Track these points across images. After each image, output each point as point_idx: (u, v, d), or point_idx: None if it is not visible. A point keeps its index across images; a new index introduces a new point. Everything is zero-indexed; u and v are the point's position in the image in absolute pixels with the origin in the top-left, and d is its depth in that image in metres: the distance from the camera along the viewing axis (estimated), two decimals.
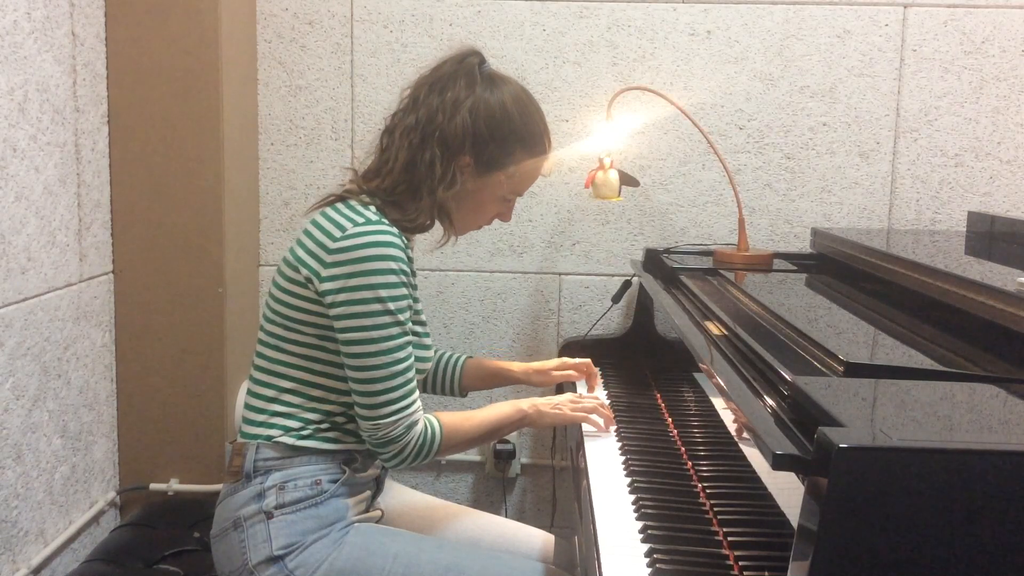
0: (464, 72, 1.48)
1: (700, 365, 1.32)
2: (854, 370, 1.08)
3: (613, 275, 2.34)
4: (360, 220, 1.39)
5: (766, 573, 1.14)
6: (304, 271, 1.40)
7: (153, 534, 1.96)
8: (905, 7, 2.23)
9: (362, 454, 1.48)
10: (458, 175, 1.47)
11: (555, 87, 2.30)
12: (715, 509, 1.31)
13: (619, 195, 2.02)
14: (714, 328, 1.46)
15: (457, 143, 1.45)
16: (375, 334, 1.37)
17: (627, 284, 2.18)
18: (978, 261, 1.72)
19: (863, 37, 2.24)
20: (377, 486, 1.55)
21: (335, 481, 1.43)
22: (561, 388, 1.87)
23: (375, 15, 2.31)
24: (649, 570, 1.14)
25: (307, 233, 1.43)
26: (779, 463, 0.90)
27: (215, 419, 2.19)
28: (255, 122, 2.35)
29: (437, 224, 1.52)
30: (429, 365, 1.66)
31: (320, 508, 1.41)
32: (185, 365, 2.17)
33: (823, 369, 1.13)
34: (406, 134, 1.46)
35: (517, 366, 1.80)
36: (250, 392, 1.48)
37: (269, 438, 1.42)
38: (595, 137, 2.13)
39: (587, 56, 2.29)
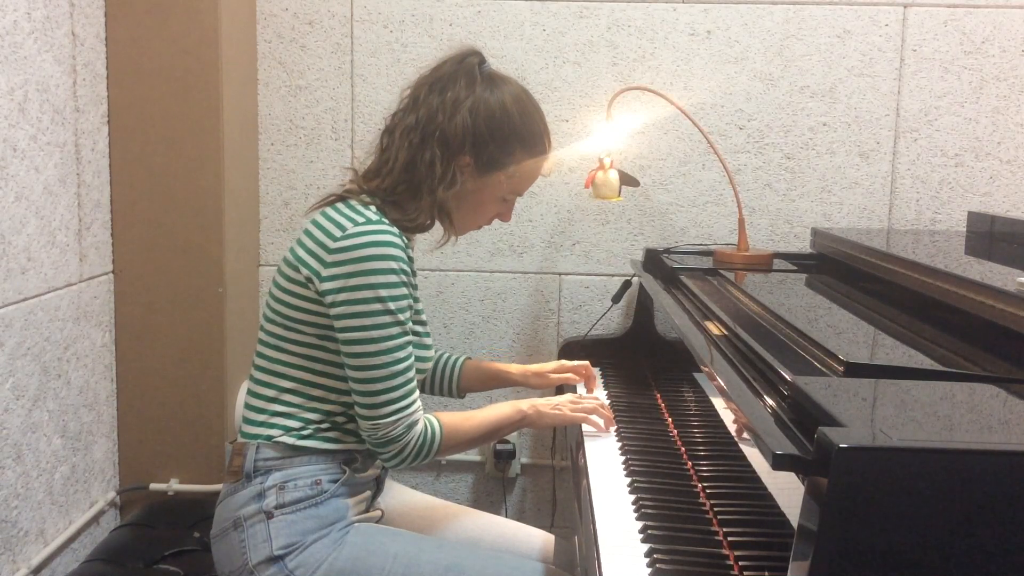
0: (464, 72, 1.48)
1: (700, 365, 1.32)
2: (854, 370, 1.08)
3: (613, 275, 2.34)
4: (360, 220, 1.39)
5: (766, 573, 1.14)
6: (304, 271, 1.40)
7: (153, 534, 1.96)
8: (905, 7, 2.23)
9: (362, 454, 1.48)
10: (458, 175, 1.47)
11: (555, 87, 2.30)
12: (715, 509, 1.31)
13: (619, 195, 2.02)
14: (714, 328, 1.46)
15: (457, 143, 1.45)
16: (375, 334, 1.37)
17: (627, 284, 2.18)
18: (978, 261, 1.72)
19: (863, 37, 2.24)
20: (377, 486, 1.55)
21: (335, 481, 1.43)
22: (561, 389, 1.87)
23: (375, 15, 2.31)
24: (649, 570, 1.14)
25: (307, 233, 1.43)
26: (779, 463, 0.90)
27: (215, 419, 2.19)
28: (255, 122, 2.35)
29: (437, 224, 1.52)
30: (430, 365, 1.66)
31: (320, 508, 1.41)
32: (185, 365, 2.17)
33: (823, 369, 1.13)
34: (406, 134, 1.46)
35: (515, 368, 1.80)
36: (250, 392, 1.48)
37: (269, 438, 1.42)
38: (595, 137, 2.14)
39: (587, 56, 2.29)
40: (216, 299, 2.16)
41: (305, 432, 1.43)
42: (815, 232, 2.14)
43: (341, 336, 1.38)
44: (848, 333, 1.39)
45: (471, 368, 1.76)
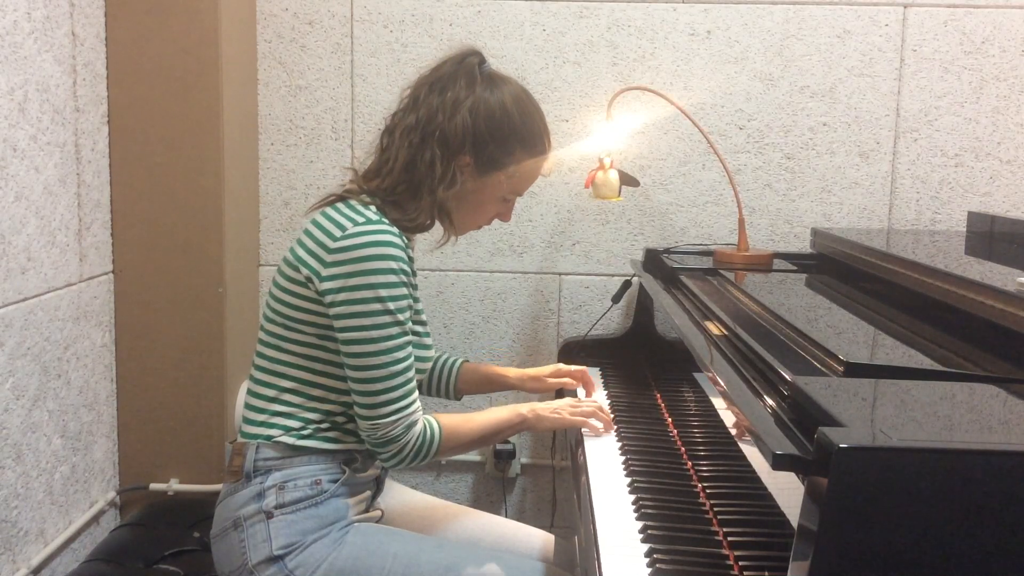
0: (464, 72, 1.48)
1: (700, 366, 1.32)
2: (854, 370, 1.08)
3: (613, 275, 2.34)
4: (360, 220, 1.39)
5: (766, 573, 1.14)
6: (304, 271, 1.40)
7: (153, 534, 1.96)
8: (905, 7, 2.23)
9: (362, 454, 1.48)
10: (458, 175, 1.47)
11: (555, 87, 2.30)
12: (715, 509, 1.31)
13: (619, 195, 2.02)
14: (714, 328, 1.46)
15: (457, 143, 1.45)
16: (375, 334, 1.37)
17: (627, 284, 2.18)
18: (978, 261, 1.71)
19: (863, 37, 2.24)
20: (377, 486, 1.55)
21: (335, 481, 1.43)
22: (561, 392, 1.87)
23: (375, 15, 2.31)
24: (649, 570, 1.14)
25: (307, 233, 1.43)
26: (779, 463, 0.90)
27: (215, 419, 2.19)
28: (255, 122, 2.35)
29: (437, 224, 1.52)
30: (430, 365, 1.66)
31: (320, 508, 1.41)
32: (185, 365, 2.17)
33: (823, 369, 1.12)
34: (406, 134, 1.46)
35: (512, 372, 1.79)
36: (250, 392, 1.48)
37: (269, 438, 1.42)
38: (595, 137, 2.13)
39: (587, 56, 2.29)
40: (216, 299, 2.16)
41: (305, 432, 1.43)
42: (815, 232, 2.14)
43: (341, 336, 1.38)
44: (848, 333, 1.39)
45: (468, 371, 1.76)
